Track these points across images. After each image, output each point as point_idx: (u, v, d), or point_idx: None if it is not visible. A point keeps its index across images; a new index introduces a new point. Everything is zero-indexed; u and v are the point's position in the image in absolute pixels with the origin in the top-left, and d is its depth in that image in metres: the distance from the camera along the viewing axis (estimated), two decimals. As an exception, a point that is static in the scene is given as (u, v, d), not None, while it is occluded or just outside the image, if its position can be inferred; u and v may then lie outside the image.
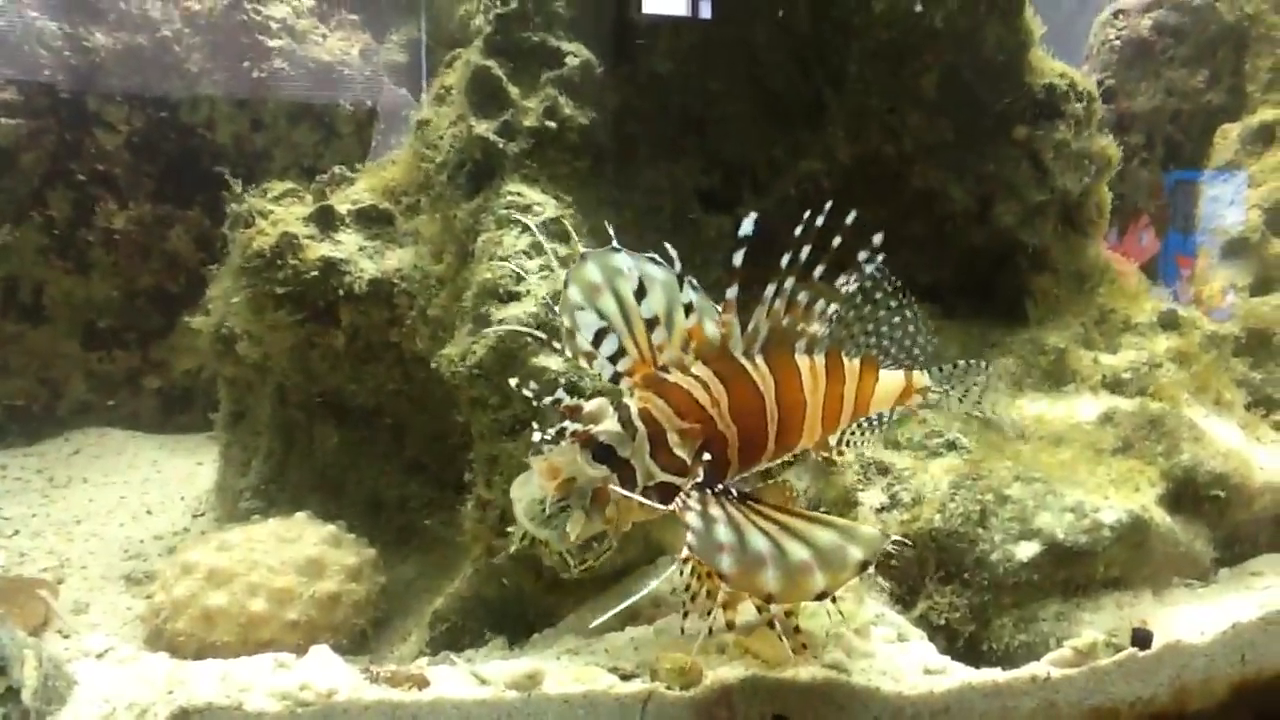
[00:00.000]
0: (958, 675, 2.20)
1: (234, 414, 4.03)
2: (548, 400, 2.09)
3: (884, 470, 3.04)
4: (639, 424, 2.05)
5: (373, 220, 3.43)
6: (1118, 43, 4.28)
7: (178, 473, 4.42)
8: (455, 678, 2.20)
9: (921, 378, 2.56)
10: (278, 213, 3.43)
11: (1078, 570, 2.80)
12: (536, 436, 2.03)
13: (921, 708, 2.04)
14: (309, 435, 3.73)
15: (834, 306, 2.26)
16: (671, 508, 2.04)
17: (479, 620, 3.02)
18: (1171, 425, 3.20)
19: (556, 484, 2.00)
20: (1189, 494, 3.08)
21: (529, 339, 2.81)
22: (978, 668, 2.34)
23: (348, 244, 3.38)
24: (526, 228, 2.98)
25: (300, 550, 3.15)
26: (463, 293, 3.09)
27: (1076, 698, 2.16)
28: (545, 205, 3.04)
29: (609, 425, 2.04)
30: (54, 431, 4.83)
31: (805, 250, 2.12)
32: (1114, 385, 3.41)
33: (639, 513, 2.10)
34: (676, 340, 2.15)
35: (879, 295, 2.45)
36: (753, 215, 1.94)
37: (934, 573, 2.84)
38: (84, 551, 3.79)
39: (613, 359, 2.14)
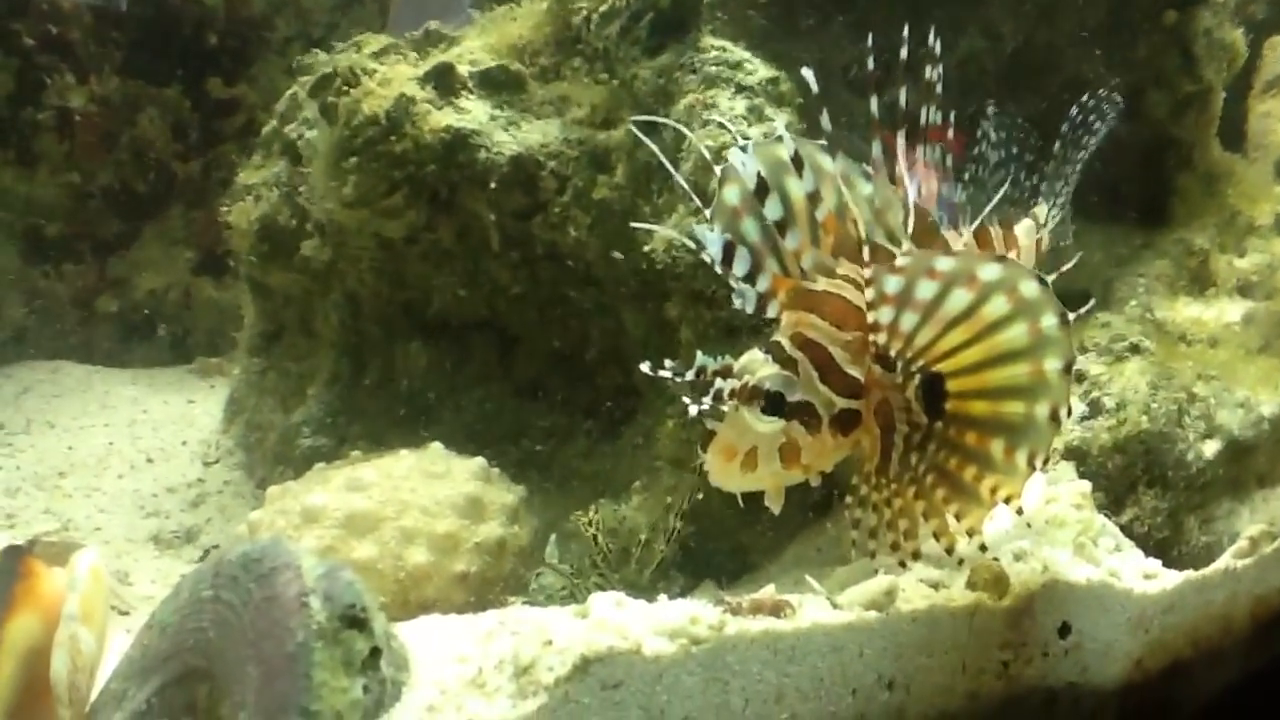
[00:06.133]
0: (1171, 577, 2.20)
1: (267, 334, 3.31)
2: (689, 375, 1.70)
3: (1080, 377, 2.89)
4: (797, 353, 1.72)
5: (501, 85, 2.83)
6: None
7: (168, 413, 3.58)
8: (813, 603, 1.86)
9: (1039, 211, 2.32)
10: (383, 71, 2.76)
11: (1244, 465, 2.83)
12: (693, 410, 1.65)
13: (1153, 608, 2.12)
14: (387, 355, 3.09)
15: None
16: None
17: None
18: (1298, 324, 3.27)
19: (740, 462, 1.69)
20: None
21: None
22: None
23: (475, 112, 2.77)
24: (741, 88, 2.54)
25: (455, 487, 2.56)
26: (652, 169, 2.62)
27: (1249, 586, 2.25)
28: (754, 63, 2.60)
29: (766, 369, 1.70)
30: (-17, 365, 3.80)
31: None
32: (1244, 289, 3.44)
33: (834, 451, 1.78)
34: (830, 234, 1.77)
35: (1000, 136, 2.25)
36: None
37: (1141, 478, 2.75)
38: (90, 510, 2.99)
39: (749, 279, 1.72)
